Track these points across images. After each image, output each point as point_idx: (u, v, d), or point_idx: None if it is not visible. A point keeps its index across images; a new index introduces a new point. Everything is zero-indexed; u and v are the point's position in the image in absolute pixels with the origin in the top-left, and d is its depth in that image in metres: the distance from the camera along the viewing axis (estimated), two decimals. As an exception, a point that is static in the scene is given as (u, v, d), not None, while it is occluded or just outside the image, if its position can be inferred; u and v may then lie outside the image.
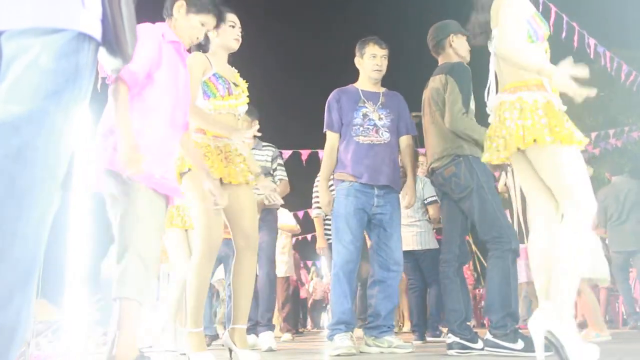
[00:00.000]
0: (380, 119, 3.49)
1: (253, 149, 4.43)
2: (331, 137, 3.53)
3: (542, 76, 2.21)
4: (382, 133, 3.48)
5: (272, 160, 4.53)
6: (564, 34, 6.74)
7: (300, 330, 10.13)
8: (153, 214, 2.13)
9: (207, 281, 2.80)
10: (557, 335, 2.02)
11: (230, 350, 2.82)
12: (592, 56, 7.32)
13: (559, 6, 6.81)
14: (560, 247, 2.13)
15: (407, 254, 4.88)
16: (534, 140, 2.15)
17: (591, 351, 2.02)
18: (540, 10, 6.64)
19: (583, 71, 2.12)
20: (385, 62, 3.57)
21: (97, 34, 1.08)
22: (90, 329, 4.48)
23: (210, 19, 2.44)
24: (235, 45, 2.97)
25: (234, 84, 2.94)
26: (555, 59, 2.25)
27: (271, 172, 4.51)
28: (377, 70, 3.53)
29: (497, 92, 2.45)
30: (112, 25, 1.12)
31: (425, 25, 3.42)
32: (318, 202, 4.85)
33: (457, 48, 3.23)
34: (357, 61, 3.59)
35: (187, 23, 2.40)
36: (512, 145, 2.22)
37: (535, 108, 2.19)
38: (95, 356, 3.89)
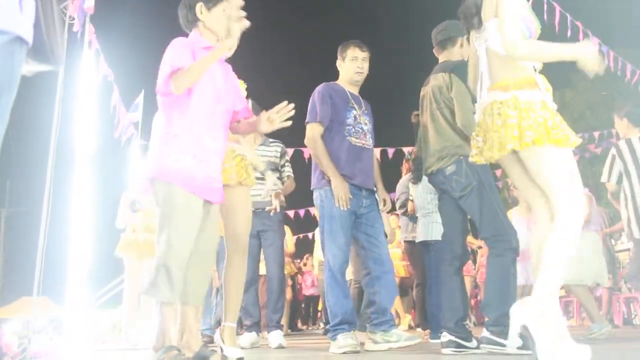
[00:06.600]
0: (365, 124, 3.50)
1: (261, 145, 4.45)
2: (318, 129, 3.42)
3: (564, 59, 2.17)
4: (368, 138, 3.51)
5: (280, 157, 4.54)
6: (569, 33, 6.70)
7: (299, 328, 10.14)
8: (186, 218, 2.23)
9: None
10: (532, 332, 1.99)
11: (221, 347, 2.88)
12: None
13: (563, 5, 6.78)
14: (545, 250, 2.09)
15: (422, 245, 4.83)
16: (533, 142, 2.07)
17: (576, 353, 1.96)
18: (545, 9, 6.62)
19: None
20: (366, 65, 3.57)
21: (30, 38, 1.12)
22: (92, 325, 4.48)
23: (227, 5, 2.50)
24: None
25: None
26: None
27: (279, 168, 4.51)
28: (359, 72, 3.54)
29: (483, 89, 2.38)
30: (47, 31, 1.16)
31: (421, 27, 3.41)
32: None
33: (466, 50, 3.17)
34: (339, 64, 3.60)
35: (214, 18, 2.49)
36: (506, 145, 2.13)
37: (531, 108, 2.11)
38: (96, 352, 3.89)
